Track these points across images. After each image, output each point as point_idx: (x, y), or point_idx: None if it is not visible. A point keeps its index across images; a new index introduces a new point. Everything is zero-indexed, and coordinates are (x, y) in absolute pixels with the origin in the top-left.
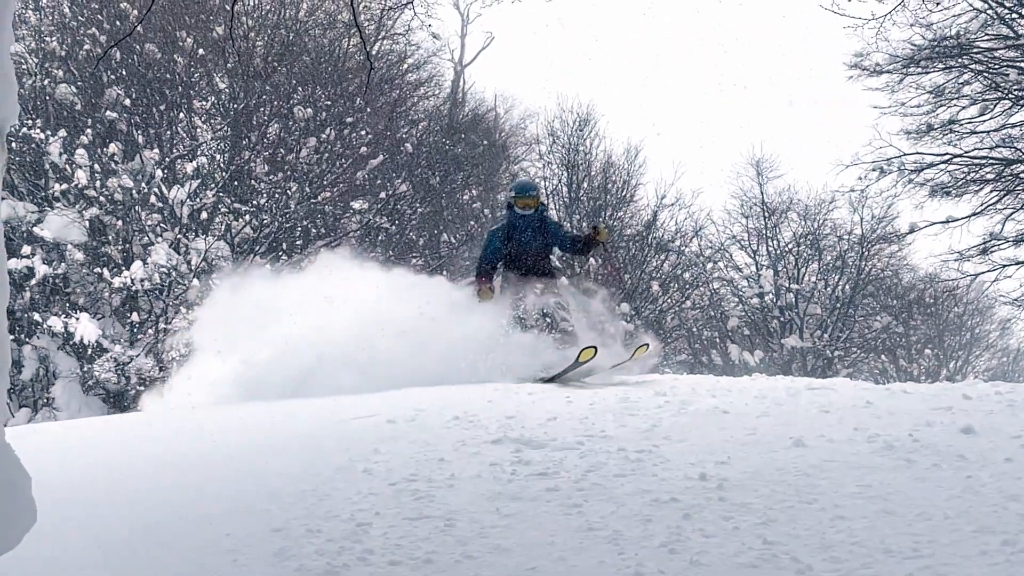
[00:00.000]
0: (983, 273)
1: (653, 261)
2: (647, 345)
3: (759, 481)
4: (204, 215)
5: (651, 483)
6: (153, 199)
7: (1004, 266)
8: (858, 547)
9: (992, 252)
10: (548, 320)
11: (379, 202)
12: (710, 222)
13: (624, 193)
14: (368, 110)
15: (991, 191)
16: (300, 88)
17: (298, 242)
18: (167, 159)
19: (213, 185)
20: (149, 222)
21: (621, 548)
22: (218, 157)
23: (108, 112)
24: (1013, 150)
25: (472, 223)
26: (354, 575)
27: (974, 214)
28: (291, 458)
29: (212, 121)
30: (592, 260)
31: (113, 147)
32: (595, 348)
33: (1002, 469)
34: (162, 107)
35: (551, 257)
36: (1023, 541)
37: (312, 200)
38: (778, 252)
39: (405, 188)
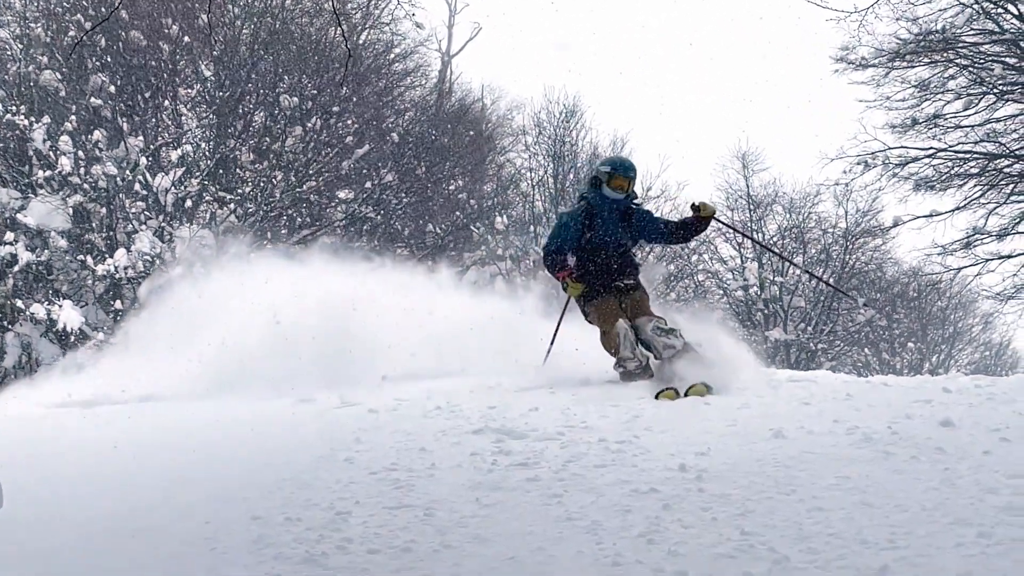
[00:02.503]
0: (966, 267)
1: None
2: (707, 387)
3: (738, 472)
4: (189, 203)
5: (631, 473)
6: (137, 187)
7: (987, 260)
8: (835, 538)
9: (975, 246)
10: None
11: (365, 192)
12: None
13: None
14: (354, 99)
15: (975, 186)
16: (286, 77)
17: (283, 231)
18: (152, 147)
19: (198, 173)
20: (133, 210)
21: (600, 538)
22: (203, 145)
23: (93, 99)
24: (997, 145)
25: (458, 213)
26: (332, 563)
27: (957, 208)
28: (272, 448)
29: (197, 109)
30: None
31: (97, 134)
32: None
33: (980, 462)
34: (147, 94)
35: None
36: (999, 533)
37: (297, 189)
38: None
39: (391, 178)
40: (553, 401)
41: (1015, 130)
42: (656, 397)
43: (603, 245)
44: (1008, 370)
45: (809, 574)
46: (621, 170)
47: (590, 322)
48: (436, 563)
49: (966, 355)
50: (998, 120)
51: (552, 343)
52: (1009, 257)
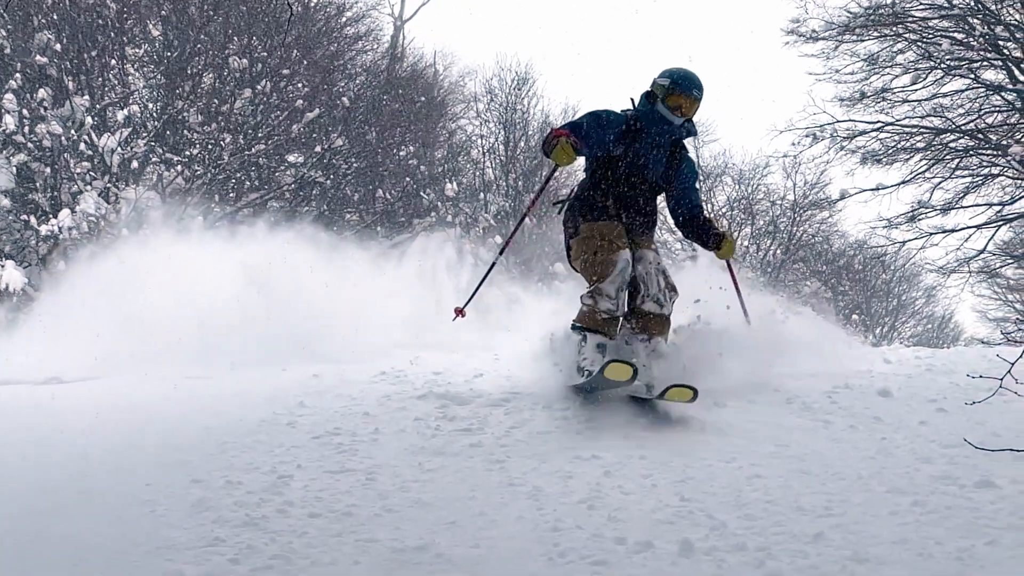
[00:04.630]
0: (910, 241)
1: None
2: (693, 392)
3: (679, 439)
4: (135, 164)
5: (574, 440)
6: (83, 146)
7: (931, 234)
8: (772, 505)
9: (920, 220)
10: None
11: (314, 156)
12: None
13: None
14: (304, 63)
15: (920, 160)
16: (236, 38)
17: (231, 194)
18: (98, 106)
19: (145, 134)
20: (78, 170)
21: (540, 504)
22: (150, 106)
23: (38, 57)
24: (943, 119)
25: (408, 179)
26: (273, 527)
27: (903, 182)
28: (214, 412)
29: (145, 69)
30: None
31: (42, 92)
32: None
33: (916, 432)
34: (94, 53)
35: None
36: (933, 502)
37: (246, 152)
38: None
39: (341, 142)
40: (497, 367)
41: (961, 105)
42: (603, 369)
43: (633, 172)
44: (950, 343)
45: (746, 540)
46: (684, 85)
47: (572, 264)
48: (377, 527)
49: (909, 328)
50: (944, 95)
51: (479, 286)
52: (952, 231)
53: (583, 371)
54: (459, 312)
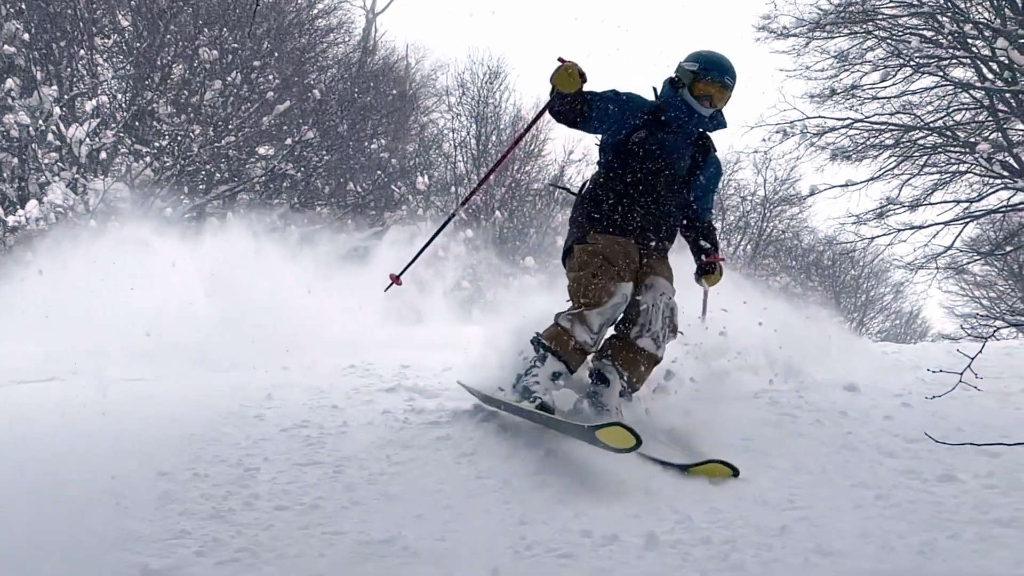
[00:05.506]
0: (879, 236)
1: (559, 216)
2: (733, 471)
3: (646, 435)
4: (104, 155)
5: (543, 435)
6: (51, 137)
7: (899, 230)
8: (737, 499)
9: (888, 216)
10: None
11: (285, 148)
12: None
13: (532, 147)
14: (276, 55)
15: (889, 156)
16: (206, 29)
17: (201, 186)
18: (66, 96)
19: (113, 125)
20: (46, 160)
21: (507, 498)
22: (119, 96)
23: (6, 46)
24: (912, 117)
25: (379, 172)
26: (239, 519)
27: (872, 179)
28: (181, 404)
29: (114, 59)
30: None
31: (10, 82)
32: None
33: (881, 426)
34: (62, 43)
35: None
36: (896, 496)
37: (216, 144)
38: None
39: (312, 135)
40: (467, 362)
41: (930, 103)
42: (598, 428)
43: (654, 167)
44: (917, 338)
45: (711, 533)
46: (716, 71)
47: (567, 272)
48: (344, 520)
49: (877, 323)
50: (914, 92)
51: (421, 251)
52: (920, 228)
53: (530, 394)
54: (395, 279)
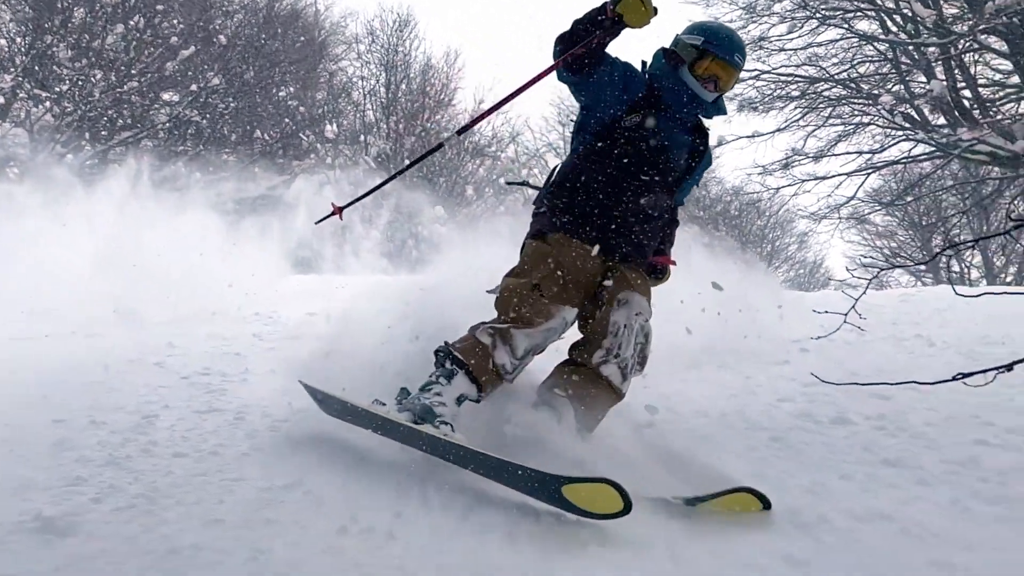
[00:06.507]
0: (784, 187)
1: (469, 166)
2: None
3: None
4: (1, 100)
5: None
6: None
7: (804, 181)
8: (638, 443)
9: (793, 167)
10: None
11: (190, 95)
12: (527, 128)
13: (443, 96)
14: None
15: (795, 108)
16: None
17: (103, 132)
18: None
19: (12, 69)
20: None
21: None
22: (18, 40)
23: None
24: (818, 68)
25: (287, 121)
26: (136, 466)
27: (778, 130)
28: (78, 350)
29: (12, 1)
30: None
31: None
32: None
33: (778, 371)
34: None
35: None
36: (791, 438)
37: (118, 89)
38: None
39: (218, 81)
40: (374, 306)
41: (835, 55)
42: (586, 481)
43: (642, 148)
44: (820, 287)
45: (608, 473)
46: (724, 47)
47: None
48: (245, 466)
49: (783, 272)
50: (819, 44)
51: (371, 192)
52: (824, 178)
53: (434, 417)
54: (337, 210)
